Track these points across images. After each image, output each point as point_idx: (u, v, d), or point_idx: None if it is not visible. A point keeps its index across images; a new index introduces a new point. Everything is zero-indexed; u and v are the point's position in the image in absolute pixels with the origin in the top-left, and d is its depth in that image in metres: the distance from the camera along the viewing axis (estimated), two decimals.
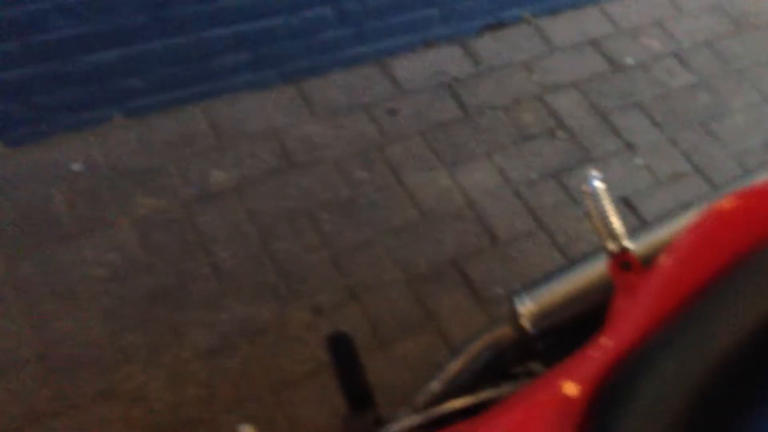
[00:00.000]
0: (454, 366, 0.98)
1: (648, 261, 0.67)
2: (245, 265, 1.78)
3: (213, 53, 2.04)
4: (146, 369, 1.60)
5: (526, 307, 0.88)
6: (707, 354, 0.46)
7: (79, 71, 1.91)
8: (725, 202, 0.56)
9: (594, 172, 0.80)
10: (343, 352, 1.05)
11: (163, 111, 2.04)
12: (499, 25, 2.42)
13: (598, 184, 0.78)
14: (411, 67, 2.27)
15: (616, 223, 0.76)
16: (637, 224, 1.94)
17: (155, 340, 1.64)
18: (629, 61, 2.36)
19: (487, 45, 2.37)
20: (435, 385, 0.98)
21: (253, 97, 2.12)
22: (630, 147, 2.13)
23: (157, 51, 1.95)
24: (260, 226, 1.85)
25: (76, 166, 1.89)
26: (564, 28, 2.45)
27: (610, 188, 2.03)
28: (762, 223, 0.53)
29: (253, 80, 2.14)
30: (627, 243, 0.75)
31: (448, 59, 2.31)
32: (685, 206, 0.90)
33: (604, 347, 0.53)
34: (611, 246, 0.75)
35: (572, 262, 0.90)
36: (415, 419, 0.91)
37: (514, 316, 0.90)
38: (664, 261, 0.57)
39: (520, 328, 0.89)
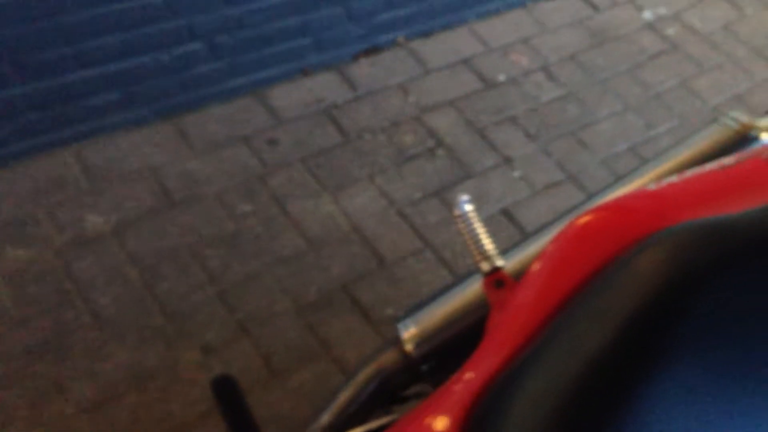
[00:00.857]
0: (343, 396, 0.97)
1: (520, 277, 0.68)
2: (128, 309, 1.72)
3: (81, 95, 1.97)
4: (28, 429, 1.52)
5: (409, 331, 0.89)
6: (573, 367, 0.47)
7: None
8: (583, 216, 0.58)
9: (464, 196, 0.82)
10: (226, 396, 1.03)
11: (31, 158, 1.96)
12: (373, 49, 2.45)
13: (468, 207, 0.80)
14: (289, 97, 2.27)
15: (488, 243, 0.78)
16: (518, 234, 2.00)
17: (35, 398, 1.56)
18: (501, 77, 2.44)
19: (363, 70, 2.39)
20: (325, 418, 0.97)
21: (127, 136, 2.07)
22: (507, 160, 2.20)
23: (20, 97, 1.87)
24: (142, 268, 1.80)
25: None
26: (437, 49, 2.51)
27: (490, 201, 2.08)
28: (618, 236, 0.55)
29: (126, 119, 2.08)
30: (499, 261, 0.77)
31: (325, 86, 2.32)
32: (555, 218, 0.92)
33: (468, 375, 0.53)
34: (484, 266, 0.77)
35: (452, 282, 0.92)
36: None
37: (397, 341, 0.90)
38: (529, 277, 0.59)
39: (404, 352, 0.89)
